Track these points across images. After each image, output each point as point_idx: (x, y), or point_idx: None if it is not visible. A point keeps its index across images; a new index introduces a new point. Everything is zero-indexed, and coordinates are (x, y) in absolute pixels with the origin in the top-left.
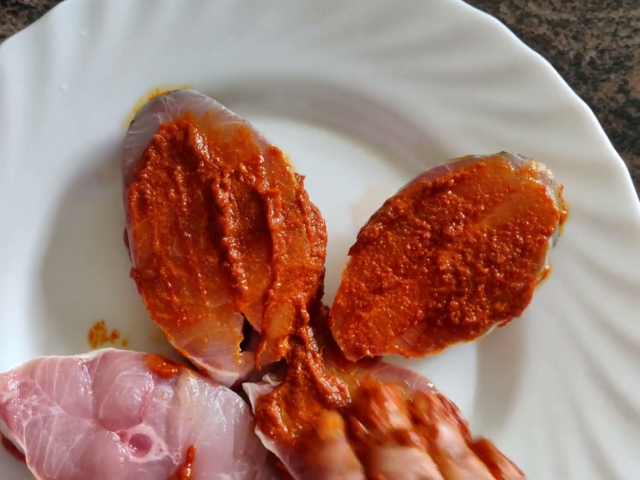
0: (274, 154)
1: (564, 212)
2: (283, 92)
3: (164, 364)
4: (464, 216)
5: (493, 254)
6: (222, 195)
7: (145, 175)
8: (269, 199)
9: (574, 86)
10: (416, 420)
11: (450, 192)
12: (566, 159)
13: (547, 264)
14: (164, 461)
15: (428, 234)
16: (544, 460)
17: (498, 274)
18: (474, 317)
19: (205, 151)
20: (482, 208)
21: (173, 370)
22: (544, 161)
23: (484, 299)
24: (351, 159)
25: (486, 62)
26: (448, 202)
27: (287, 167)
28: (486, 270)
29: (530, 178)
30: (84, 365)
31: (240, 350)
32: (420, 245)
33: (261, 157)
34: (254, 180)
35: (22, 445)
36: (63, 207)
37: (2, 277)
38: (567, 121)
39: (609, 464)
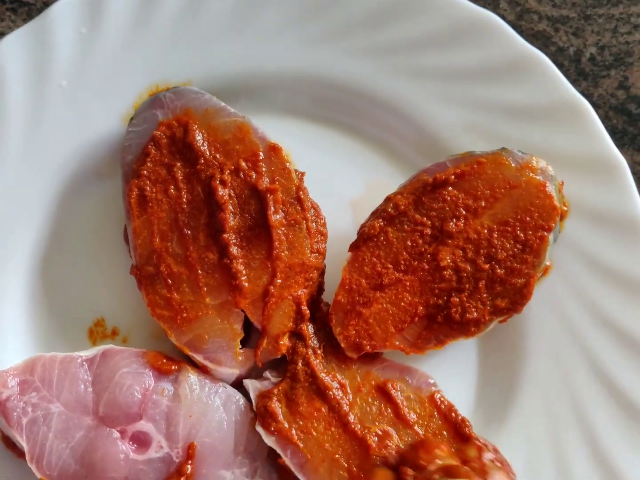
0: (273, 150)
1: (565, 208)
2: (283, 89)
3: (164, 360)
4: (464, 212)
5: (494, 250)
6: (222, 192)
7: (145, 172)
8: (269, 195)
9: (574, 82)
10: (465, 462)
11: (450, 188)
12: (566, 155)
13: (547, 260)
14: (164, 458)
15: (428, 230)
16: (544, 456)
17: (499, 270)
18: (475, 314)
19: (205, 148)
20: (483, 204)
21: (173, 367)
22: (544, 157)
23: (484, 295)
24: (351, 156)
25: (486, 58)
26: (448, 198)
27: (287, 164)
28: (487, 266)
29: (531, 174)
30: (84, 363)
31: (240, 347)
32: (421, 242)
33: (261, 153)
34: (254, 176)
35: (22, 442)
36: (63, 204)
37: (2, 275)
38: (567, 117)
39: (609, 460)
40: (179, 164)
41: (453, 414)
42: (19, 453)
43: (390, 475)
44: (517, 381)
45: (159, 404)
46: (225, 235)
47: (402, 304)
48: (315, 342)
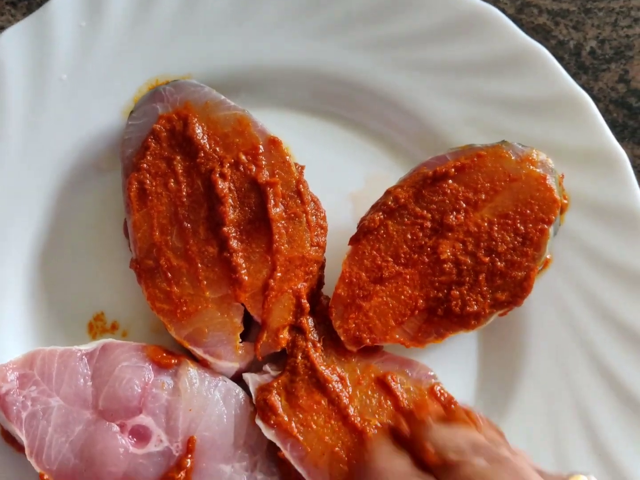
0: (273, 143)
1: (565, 201)
2: (283, 83)
3: (164, 354)
4: (464, 205)
5: (494, 243)
6: (222, 185)
7: (145, 165)
8: (268, 188)
9: (574, 76)
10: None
11: (450, 181)
12: (567, 148)
13: (548, 254)
14: (163, 452)
15: (429, 224)
16: (544, 450)
17: (499, 263)
18: (475, 307)
19: (204, 141)
20: (483, 197)
21: (173, 360)
22: (544, 151)
23: (484, 288)
24: (351, 149)
25: (486, 51)
26: (449, 191)
27: (287, 157)
28: (487, 259)
29: (531, 167)
30: (84, 356)
31: (240, 340)
32: (421, 235)
33: (261, 146)
34: (254, 170)
35: (22, 436)
36: (62, 198)
37: (1, 269)
38: (567, 111)
39: (610, 454)
40: (178, 157)
41: (453, 406)
42: (19, 447)
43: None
44: (517, 374)
45: (159, 398)
46: (225, 229)
47: (402, 297)
48: (315, 335)
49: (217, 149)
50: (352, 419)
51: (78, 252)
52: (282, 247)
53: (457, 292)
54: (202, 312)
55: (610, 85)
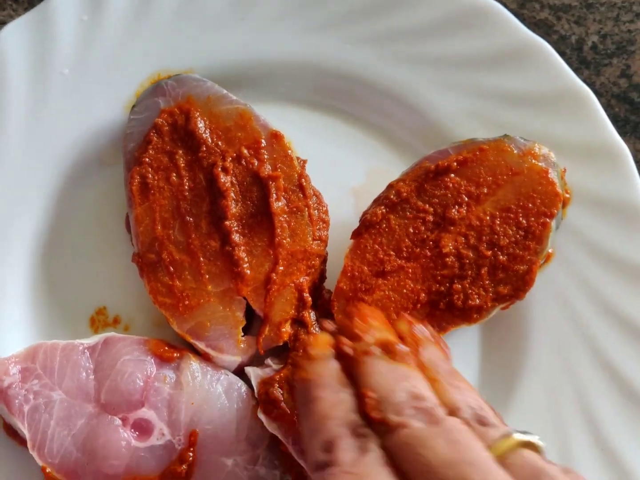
0: (275, 137)
1: (567, 195)
2: (285, 77)
3: (166, 348)
4: (466, 199)
5: (496, 236)
6: (224, 179)
7: (147, 159)
8: (270, 182)
9: (576, 71)
10: (400, 338)
11: (453, 175)
12: (569, 143)
13: (550, 248)
14: (166, 445)
15: (431, 217)
16: (546, 444)
17: (501, 257)
18: (477, 300)
19: (206, 135)
20: (485, 191)
21: (175, 354)
22: (546, 145)
23: (487, 282)
24: (353, 144)
25: (488, 46)
26: (451, 185)
27: (289, 151)
28: (489, 253)
29: (533, 160)
30: (86, 350)
31: (242, 334)
32: (423, 229)
33: (263, 140)
34: (256, 164)
35: (24, 430)
36: (64, 192)
37: (3, 263)
38: (570, 105)
39: (612, 449)
40: (180, 152)
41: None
42: (21, 441)
43: (330, 341)
44: (519, 368)
45: (161, 392)
46: (227, 223)
47: (404, 290)
48: (317, 329)
49: (219, 143)
50: None
51: (80, 247)
52: (284, 241)
53: (460, 286)
54: (204, 306)
55: (612, 80)
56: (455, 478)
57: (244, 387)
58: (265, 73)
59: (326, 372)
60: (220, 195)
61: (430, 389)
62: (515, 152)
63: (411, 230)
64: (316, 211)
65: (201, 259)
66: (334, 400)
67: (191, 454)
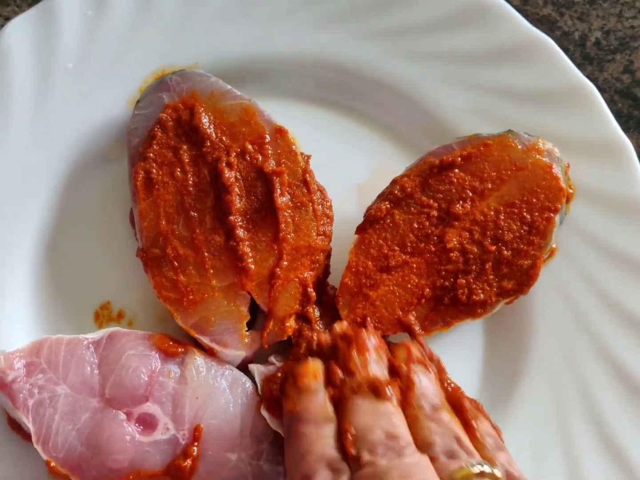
0: (280, 133)
1: (571, 190)
2: (289, 73)
3: (170, 343)
4: (471, 194)
5: (500, 231)
6: (228, 174)
7: (151, 154)
8: (275, 178)
9: (579, 67)
10: (394, 370)
11: (457, 170)
12: (572, 138)
13: (553, 243)
14: (170, 440)
15: (435, 212)
16: (551, 439)
17: (505, 252)
18: (481, 295)
19: (211, 130)
20: (489, 186)
21: (179, 349)
22: (550, 141)
23: (491, 277)
24: (357, 139)
25: (492, 42)
26: (455, 180)
27: (293, 147)
28: (493, 248)
29: (537, 156)
30: (90, 345)
31: (246, 329)
32: (427, 224)
33: (267, 136)
34: (260, 159)
35: (28, 424)
36: (69, 188)
37: (8, 257)
38: (573, 101)
39: (616, 443)
40: (185, 147)
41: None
42: (25, 435)
43: (320, 370)
44: (523, 363)
45: (165, 386)
46: (232, 218)
47: (409, 286)
48: (321, 325)
49: (224, 138)
50: None
51: (84, 242)
52: (289, 236)
53: (464, 281)
54: (209, 301)
55: (615, 76)
56: None
57: (248, 383)
58: (269, 68)
59: (312, 405)
60: (224, 190)
61: (406, 428)
62: (519, 147)
63: (415, 225)
64: (320, 206)
65: (205, 253)
66: (315, 437)
67: (195, 448)
